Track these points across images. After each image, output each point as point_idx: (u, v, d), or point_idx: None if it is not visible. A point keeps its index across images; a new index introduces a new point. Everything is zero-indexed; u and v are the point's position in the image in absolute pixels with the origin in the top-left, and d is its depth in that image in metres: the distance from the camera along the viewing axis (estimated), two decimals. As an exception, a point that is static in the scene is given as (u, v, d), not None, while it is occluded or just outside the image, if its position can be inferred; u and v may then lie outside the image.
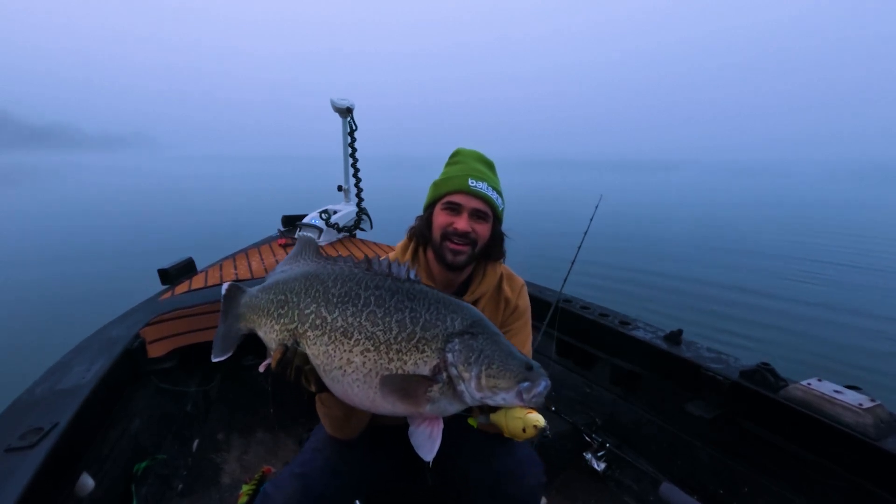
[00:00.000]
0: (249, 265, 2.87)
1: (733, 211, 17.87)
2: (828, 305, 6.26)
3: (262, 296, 0.97)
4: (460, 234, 1.12)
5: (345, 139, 3.94)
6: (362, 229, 4.06)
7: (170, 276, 2.58)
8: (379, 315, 0.82)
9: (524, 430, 0.82)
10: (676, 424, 1.94)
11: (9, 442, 1.19)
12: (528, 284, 2.64)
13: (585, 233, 2.42)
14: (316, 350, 0.85)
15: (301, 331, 0.87)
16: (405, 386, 0.79)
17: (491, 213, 1.17)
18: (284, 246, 3.40)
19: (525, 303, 1.30)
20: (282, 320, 0.90)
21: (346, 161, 4.04)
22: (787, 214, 16.97)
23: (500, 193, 1.20)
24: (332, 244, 3.62)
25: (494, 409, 0.86)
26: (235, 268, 2.81)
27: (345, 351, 0.82)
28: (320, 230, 3.63)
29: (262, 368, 0.97)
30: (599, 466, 1.96)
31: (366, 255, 0.93)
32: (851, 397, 1.46)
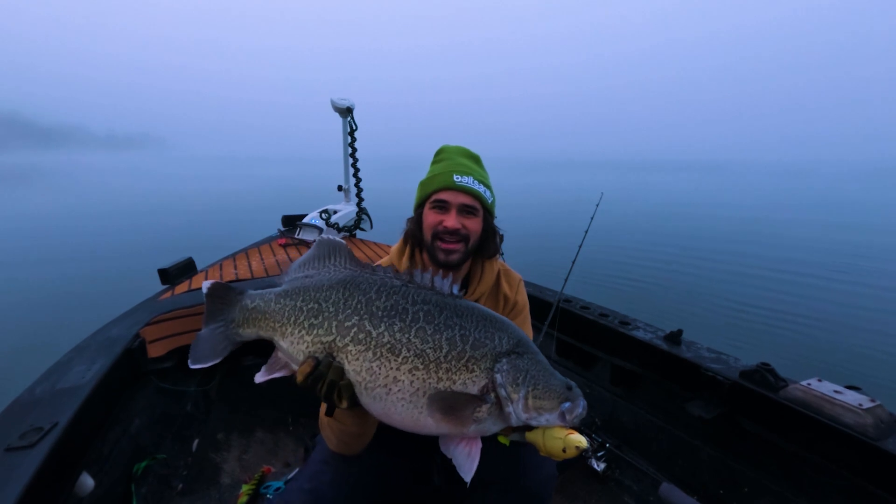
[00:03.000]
0: (249, 265, 2.87)
1: (733, 211, 17.86)
2: (828, 305, 6.26)
3: (286, 302, 0.89)
4: (451, 232, 1.11)
5: (345, 139, 3.95)
6: (362, 229, 4.06)
7: (170, 275, 2.58)
8: (429, 332, 0.79)
9: (564, 451, 0.80)
10: (676, 424, 1.94)
11: (9, 441, 1.19)
12: (529, 284, 2.66)
13: (586, 232, 2.42)
14: (358, 366, 0.80)
15: (340, 344, 0.82)
16: (454, 405, 0.77)
17: (480, 207, 1.15)
18: (284, 246, 3.39)
19: (524, 298, 1.30)
20: (315, 331, 0.84)
21: (346, 161, 4.05)
22: (788, 214, 16.97)
23: (488, 186, 1.18)
24: None
25: (531, 427, 0.83)
26: (235, 268, 2.81)
27: (391, 368, 0.79)
28: (320, 230, 3.63)
29: (260, 379, 0.89)
30: (599, 466, 1.96)
31: (408, 267, 0.91)
32: (851, 397, 1.46)
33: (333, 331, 0.83)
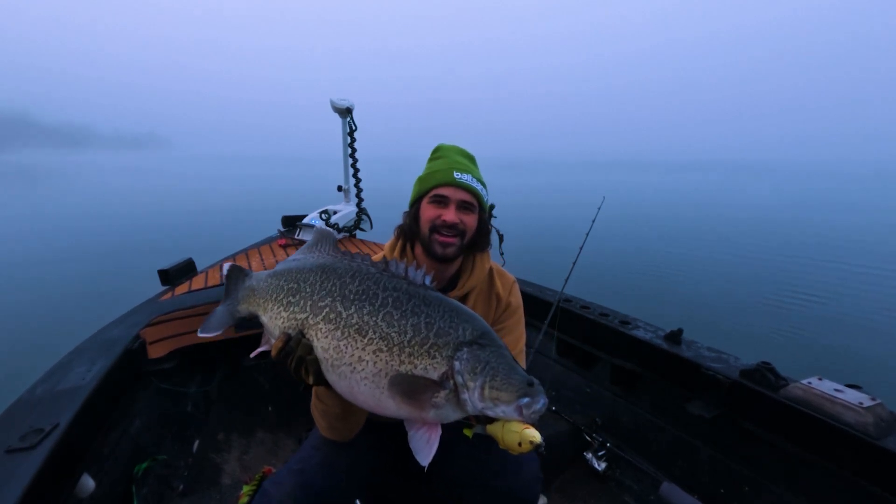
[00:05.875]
0: (249, 265, 2.86)
1: (733, 211, 17.86)
2: (828, 304, 6.26)
3: (272, 281, 0.96)
4: (449, 226, 1.14)
5: (344, 139, 3.95)
6: (362, 229, 4.06)
7: (170, 276, 2.58)
8: (395, 317, 0.82)
9: (520, 444, 0.83)
10: (676, 424, 1.94)
11: (9, 443, 1.19)
12: (529, 284, 2.66)
13: (587, 234, 2.42)
14: (326, 344, 0.85)
15: (312, 322, 0.87)
16: (413, 388, 0.80)
17: (477, 204, 1.19)
18: (284, 246, 3.40)
19: (517, 300, 1.31)
20: (291, 308, 0.90)
21: (345, 161, 4.05)
22: (788, 214, 16.96)
23: (483, 185, 1.22)
24: None
25: (492, 420, 0.86)
26: None
27: (357, 348, 0.82)
28: (320, 230, 3.63)
29: (253, 354, 0.97)
30: (599, 466, 1.96)
31: (384, 257, 0.95)
32: (852, 396, 1.46)
33: (307, 309, 0.88)
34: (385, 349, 0.81)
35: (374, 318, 0.83)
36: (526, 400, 0.80)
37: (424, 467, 0.80)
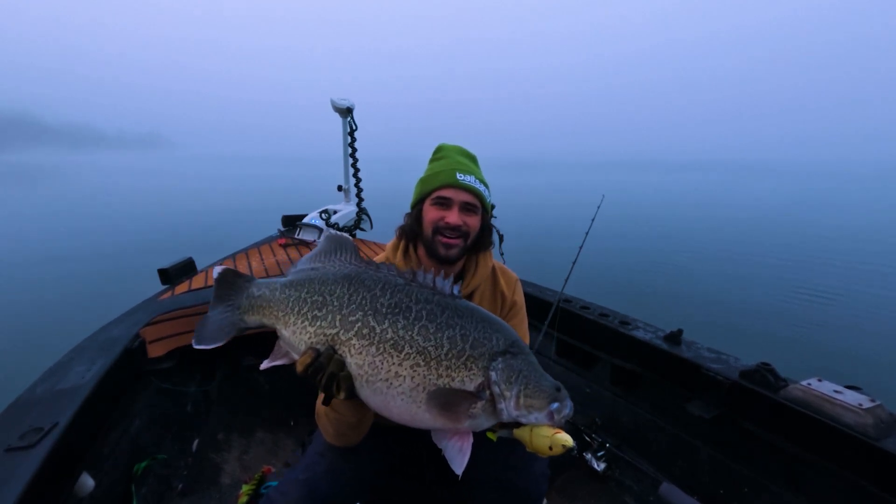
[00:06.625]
0: (249, 265, 2.87)
1: (733, 211, 17.85)
2: (828, 305, 6.26)
3: (291, 292, 0.91)
4: (452, 228, 1.14)
5: (345, 139, 3.95)
6: (362, 229, 4.07)
7: (170, 276, 2.58)
8: (431, 330, 0.82)
9: (550, 448, 0.83)
10: (676, 424, 1.94)
11: (9, 442, 1.19)
12: (529, 284, 2.66)
13: (587, 233, 2.42)
14: (360, 360, 0.83)
15: (344, 338, 0.84)
16: (451, 401, 0.80)
17: (480, 205, 1.18)
18: (285, 246, 3.39)
19: (521, 298, 1.32)
20: (318, 323, 0.87)
21: (346, 161, 4.05)
22: (787, 214, 16.95)
23: (486, 186, 1.22)
24: None
25: (519, 424, 0.87)
26: (235, 268, 2.81)
27: (393, 364, 0.81)
28: (320, 230, 3.63)
29: (264, 366, 0.93)
30: (599, 466, 1.96)
31: (411, 267, 0.94)
32: (851, 397, 1.46)
33: (337, 324, 0.85)
34: (422, 364, 0.81)
35: (409, 333, 0.82)
36: (556, 405, 0.82)
37: (458, 476, 0.80)
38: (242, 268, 2.81)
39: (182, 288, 2.45)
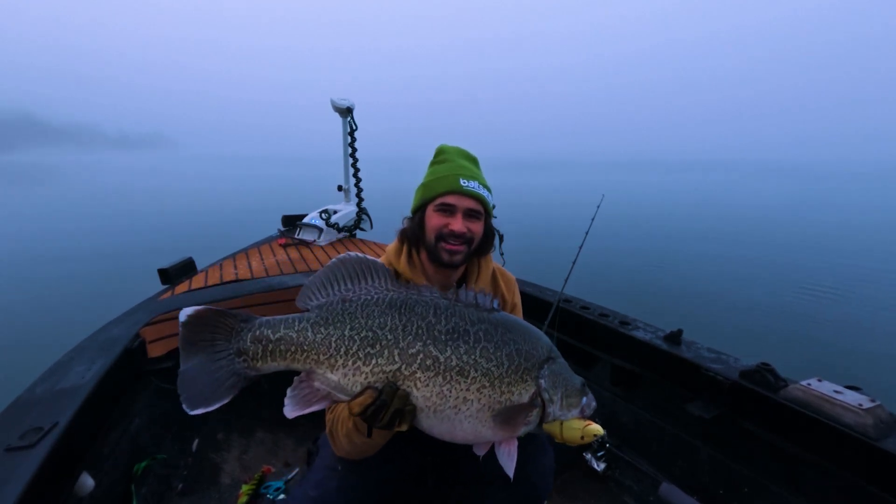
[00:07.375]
0: (249, 265, 2.87)
1: (734, 211, 17.86)
2: (829, 305, 6.26)
3: (331, 331, 0.82)
4: (457, 235, 1.12)
5: (345, 139, 3.95)
6: (362, 229, 4.07)
7: (170, 275, 2.58)
8: (491, 350, 0.83)
9: (582, 438, 0.88)
10: (676, 424, 1.94)
11: (9, 442, 1.19)
12: (529, 284, 2.66)
13: (587, 233, 2.42)
14: (427, 392, 0.81)
15: (407, 372, 0.81)
16: (513, 415, 0.83)
17: (483, 211, 1.17)
18: (285, 246, 3.40)
19: (519, 299, 1.34)
20: (373, 361, 0.81)
21: (346, 161, 4.05)
22: (788, 214, 16.96)
23: (488, 189, 1.20)
24: (332, 244, 3.63)
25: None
26: (235, 268, 2.81)
27: (461, 390, 0.82)
28: (320, 230, 3.64)
29: (293, 414, 0.81)
30: (599, 466, 1.96)
31: (455, 286, 0.96)
32: (851, 398, 1.46)
33: (397, 359, 0.81)
34: (488, 385, 0.82)
35: (472, 357, 0.82)
36: (585, 400, 0.90)
37: (510, 478, 0.85)
38: (242, 268, 2.81)
39: (182, 288, 2.45)
